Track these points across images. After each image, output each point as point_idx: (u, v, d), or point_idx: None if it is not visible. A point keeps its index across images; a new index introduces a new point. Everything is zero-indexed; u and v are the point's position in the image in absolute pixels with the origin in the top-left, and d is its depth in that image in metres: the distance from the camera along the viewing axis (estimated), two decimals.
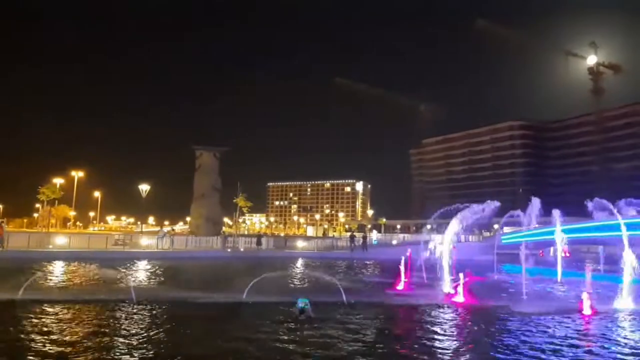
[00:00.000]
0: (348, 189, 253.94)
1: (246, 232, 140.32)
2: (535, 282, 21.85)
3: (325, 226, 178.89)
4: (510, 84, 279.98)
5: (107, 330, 11.27)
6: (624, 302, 16.28)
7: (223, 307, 15.01)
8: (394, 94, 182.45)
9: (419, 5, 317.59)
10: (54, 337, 10.55)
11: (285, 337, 11.14)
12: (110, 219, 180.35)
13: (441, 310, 15.77)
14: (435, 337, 11.72)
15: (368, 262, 36.50)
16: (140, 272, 25.78)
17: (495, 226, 29.00)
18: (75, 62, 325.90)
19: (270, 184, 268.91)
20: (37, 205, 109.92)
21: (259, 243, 45.75)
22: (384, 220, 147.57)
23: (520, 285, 19.21)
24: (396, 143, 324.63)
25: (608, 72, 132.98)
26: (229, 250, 43.11)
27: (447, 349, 10.65)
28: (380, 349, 10.47)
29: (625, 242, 17.25)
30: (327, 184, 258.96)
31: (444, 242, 21.55)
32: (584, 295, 14.87)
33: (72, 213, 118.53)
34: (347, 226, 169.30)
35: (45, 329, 11.31)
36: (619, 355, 10.29)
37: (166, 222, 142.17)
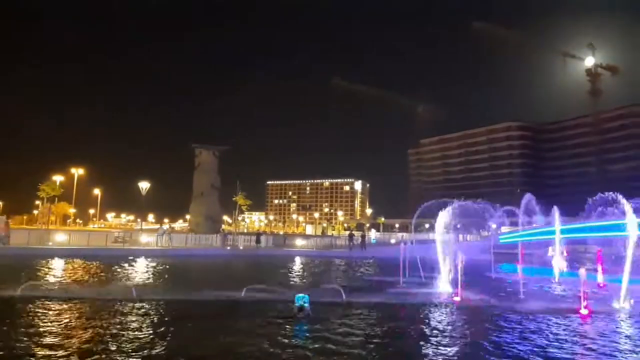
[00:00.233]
0: (347, 188, 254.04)
1: (245, 231, 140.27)
2: (533, 282, 22.04)
3: (324, 225, 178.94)
4: (509, 85, 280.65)
5: (106, 329, 11.26)
6: (621, 302, 16.46)
7: (222, 305, 15.08)
8: (392, 94, 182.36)
9: (418, 6, 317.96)
10: (51, 334, 10.55)
11: (284, 336, 11.21)
12: (110, 216, 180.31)
13: (440, 308, 15.92)
14: (433, 335, 11.80)
15: (367, 261, 36.66)
16: (140, 270, 25.86)
17: (493, 226, 29.20)
18: (75, 62, 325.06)
19: (270, 182, 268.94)
20: (37, 202, 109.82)
21: (258, 241, 45.91)
22: (383, 219, 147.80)
23: (517, 284, 19.40)
24: (395, 143, 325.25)
25: (605, 73, 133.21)
26: (228, 248, 43.27)
27: (445, 347, 10.77)
28: (379, 348, 10.55)
29: (631, 242, 17.25)
30: (326, 183, 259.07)
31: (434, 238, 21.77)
32: (581, 295, 15.04)
33: (72, 210, 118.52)
34: (346, 225, 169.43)
35: (42, 326, 11.31)
36: (616, 354, 10.43)
37: (166, 220, 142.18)
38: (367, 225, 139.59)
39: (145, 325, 11.88)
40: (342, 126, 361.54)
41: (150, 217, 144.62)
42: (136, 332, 11.05)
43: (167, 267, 27.37)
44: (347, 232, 61.35)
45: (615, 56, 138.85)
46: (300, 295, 13.37)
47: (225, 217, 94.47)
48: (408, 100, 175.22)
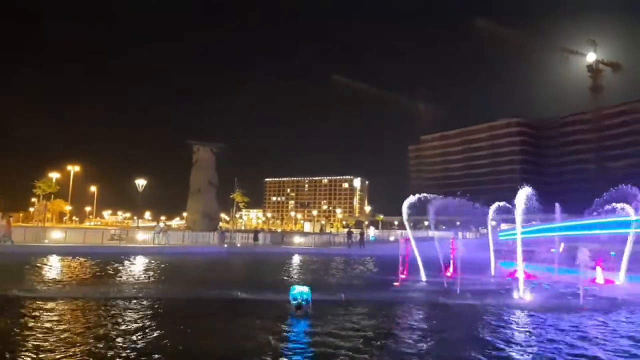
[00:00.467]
0: (346, 185, 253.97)
1: (243, 228, 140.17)
2: (532, 279, 21.82)
3: (323, 222, 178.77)
4: (509, 83, 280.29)
5: (102, 327, 11.15)
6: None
7: (219, 303, 14.88)
8: (392, 93, 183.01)
9: (418, 5, 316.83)
10: (45, 333, 10.42)
11: (281, 335, 11.06)
12: (106, 213, 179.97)
13: (440, 306, 15.73)
14: (433, 333, 11.65)
15: (365, 258, 36.45)
16: (136, 268, 25.64)
17: (493, 222, 28.96)
18: (75, 62, 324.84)
19: (268, 179, 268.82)
20: (33, 199, 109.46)
21: (256, 239, 45.68)
22: (382, 216, 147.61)
23: (517, 281, 19.16)
24: (394, 141, 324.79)
25: (607, 69, 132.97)
26: (225, 245, 42.98)
27: (444, 343, 10.69)
28: (378, 346, 10.37)
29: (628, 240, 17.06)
30: (325, 180, 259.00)
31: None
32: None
33: (68, 208, 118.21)
34: (344, 222, 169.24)
35: (37, 324, 11.17)
36: (618, 349, 10.28)
37: (163, 218, 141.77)
38: (366, 222, 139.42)
39: (140, 323, 11.71)
40: (341, 125, 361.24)
41: (147, 214, 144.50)
42: (130, 330, 10.89)
43: (164, 265, 27.09)
44: (346, 230, 61.11)
45: (616, 52, 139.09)
46: (298, 291, 13.06)
47: (223, 215, 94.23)
48: (408, 99, 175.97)
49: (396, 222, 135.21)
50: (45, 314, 12.42)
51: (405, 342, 10.83)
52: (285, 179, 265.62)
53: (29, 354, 8.81)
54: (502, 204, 23.56)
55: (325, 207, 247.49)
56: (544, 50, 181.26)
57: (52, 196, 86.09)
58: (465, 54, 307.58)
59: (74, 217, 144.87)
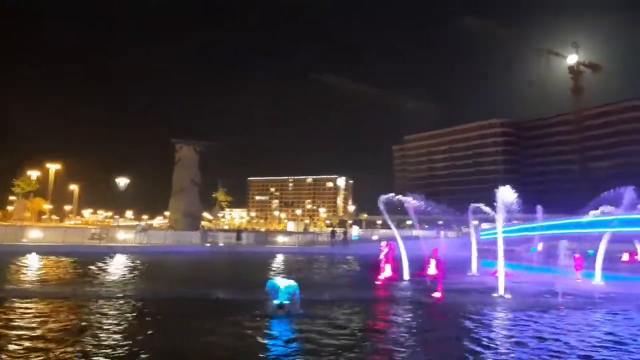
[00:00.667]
0: (330, 184, 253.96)
1: (226, 227, 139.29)
2: (512, 278, 22.05)
3: (307, 221, 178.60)
4: (494, 83, 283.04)
5: (81, 326, 11.01)
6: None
7: (199, 302, 14.74)
8: (378, 91, 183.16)
9: (406, 5, 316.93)
10: (23, 333, 10.24)
11: (266, 333, 11.06)
12: (87, 212, 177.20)
13: (421, 305, 15.80)
14: (415, 332, 11.69)
15: (349, 257, 36.53)
16: (116, 267, 25.34)
17: (475, 222, 29.21)
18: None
19: (252, 178, 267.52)
20: (12, 197, 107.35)
21: (239, 238, 45.46)
22: (365, 216, 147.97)
23: (497, 280, 19.35)
24: (379, 140, 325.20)
25: (588, 71, 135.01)
26: (208, 245, 42.67)
27: (427, 341, 10.74)
28: (363, 344, 10.43)
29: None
30: (309, 180, 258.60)
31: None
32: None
33: (47, 206, 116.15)
34: (328, 221, 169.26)
35: (15, 324, 10.99)
36: (591, 345, 10.49)
37: (145, 217, 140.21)
38: (350, 222, 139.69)
39: (119, 322, 11.61)
40: (328, 125, 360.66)
41: (129, 213, 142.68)
42: (110, 329, 10.79)
43: (145, 264, 26.81)
44: (330, 229, 61.17)
45: (598, 54, 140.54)
46: (285, 286, 12.96)
47: (206, 214, 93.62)
48: (392, 98, 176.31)
49: (379, 222, 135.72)
50: (24, 314, 12.18)
51: (389, 340, 10.87)
52: (269, 178, 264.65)
53: (6, 356, 8.65)
54: (477, 205, 23.77)
55: (309, 206, 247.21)
56: (528, 50, 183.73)
57: (32, 194, 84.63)
58: (449, 54, 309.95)
59: (53, 216, 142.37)
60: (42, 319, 11.67)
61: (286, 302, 12.77)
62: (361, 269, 28.23)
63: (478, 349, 10.09)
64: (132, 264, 26.60)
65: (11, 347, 9.17)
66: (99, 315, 12.31)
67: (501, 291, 17.84)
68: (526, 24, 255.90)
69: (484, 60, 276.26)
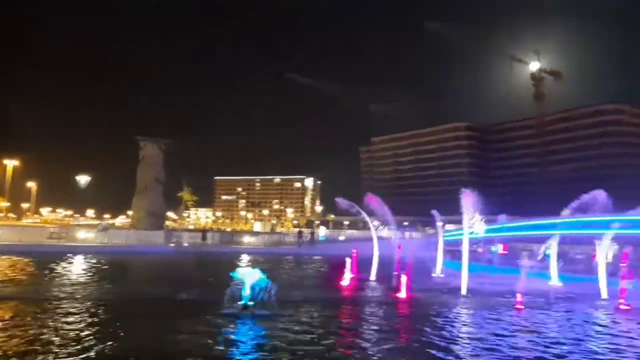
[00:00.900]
0: (298, 184, 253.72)
1: (191, 227, 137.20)
2: (474, 278, 22.51)
3: (274, 222, 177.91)
4: (460, 87, 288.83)
5: (39, 329, 10.63)
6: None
7: (160, 303, 14.45)
8: (348, 92, 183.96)
9: (371, 4, 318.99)
10: None
11: (232, 333, 10.95)
12: (45, 211, 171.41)
13: (385, 305, 15.92)
14: (378, 332, 11.77)
15: (315, 258, 36.54)
16: (76, 267, 24.62)
17: (439, 223, 29.70)
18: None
19: (218, 178, 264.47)
20: None
21: (204, 238, 44.90)
22: (333, 216, 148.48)
23: (460, 280, 19.72)
24: (348, 141, 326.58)
25: (549, 78, 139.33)
26: (172, 245, 41.92)
27: (391, 339, 10.80)
28: (329, 344, 10.44)
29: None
30: (277, 180, 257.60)
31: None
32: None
33: (3, 204, 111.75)
34: (295, 222, 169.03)
35: None
36: (544, 344, 10.82)
37: (107, 216, 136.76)
38: (317, 222, 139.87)
39: (79, 324, 11.28)
40: (294, 125, 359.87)
41: (90, 212, 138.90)
42: (70, 332, 10.46)
43: (106, 265, 26.11)
44: (297, 229, 61.09)
45: (559, 61, 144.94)
46: (256, 279, 12.81)
47: (170, 213, 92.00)
48: (361, 99, 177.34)
49: (346, 222, 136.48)
50: None
51: (354, 339, 10.90)
52: (236, 177, 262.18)
53: None
54: (434, 211, 24.38)
55: (276, 206, 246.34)
56: (493, 57, 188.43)
57: None
58: (418, 57, 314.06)
59: (10, 214, 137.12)
60: None
61: (251, 303, 12.65)
62: (328, 270, 28.27)
63: (440, 345, 10.27)
64: (93, 265, 25.86)
65: None
66: (54, 318, 11.87)
67: (464, 291, 18.18)
68: (494, 30, 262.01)
69: (453, 64, 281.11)
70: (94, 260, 27.55)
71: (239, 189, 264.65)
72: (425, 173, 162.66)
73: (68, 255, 29.24)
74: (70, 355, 8.81)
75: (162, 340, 10.24)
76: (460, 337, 11.38)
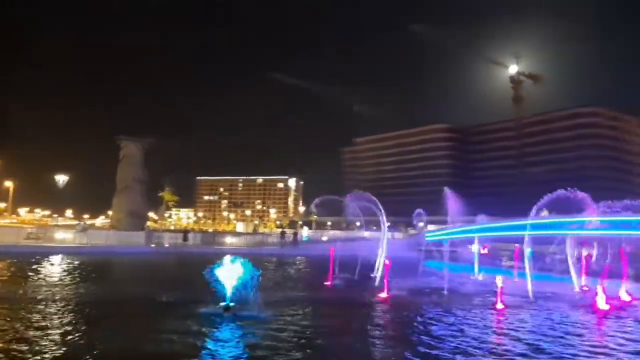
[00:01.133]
0: (281, 185, 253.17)
1: (173, 227, 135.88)
2: (456, 278, 22.79)
3: (257, 222, 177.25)
4: (442, 89, 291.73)
5: (17, 330, 10.49)
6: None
7: (139, 304, 14.33)
8: (332, 93, 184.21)
9: (351, 8, 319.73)
10: None
11: (214, 334, 10.93)
12: (23, 211, 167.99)
13: (367, 305, 16.00)
14: (363, 329, 11.83)
15: (298, 258, 36.52)
16: (54, 268, 24.23)
17: (421, 224, 30.00)
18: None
19: (200, 178, 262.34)
20: None
21: (185, 239, 44.51)
22: (316, 217, 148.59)
23: (442, 280, 19.96)
24: (331, 141, 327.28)
25: (528, 81, 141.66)
26: (153, 245, 41.45)
27: (374, 338, 10.86)
28: (313, 344, 10.47)
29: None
30: (260, 180, 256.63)
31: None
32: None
33: None
34: (278, 222, 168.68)
35: None
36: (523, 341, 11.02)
37: (86, 216, 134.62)
38: (300, 222, 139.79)
39: (58, 325, 11.17)
40: (279, 125, 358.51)
41: (69, 212, 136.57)
42: (49, 333, 10.35)
43: (85, 265, 25.70)
44: (279, 230, 60.97)
45: (538, 65, 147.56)
46: (241, 275, 12.77)
47: (151, 214, 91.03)
48: (345, 100, 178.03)
49: (329, 223, 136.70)
50: None
51: (337, 339, 10.96)
52: (218, 177, 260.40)
53: None
54: (419, 210, 24.53)
55: (259, 207, 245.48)
56: (473, 60, 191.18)
57: None
58: (399, 58, 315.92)
59: None
60: None
61: (232, 304, 12.64)
62: (311, 270, 28.30)
63: (420, 343, 10.38)
64: (71, 265, 25.46)
65: None
66: (31, 319, 11.69)
67: (445, 290, 18.39)
68: (476, 33, 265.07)
69: (437, 65, 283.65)
70: (73, 261, 27.11)
71: (221, 189, 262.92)
72: (408, 174, 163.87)
73: (45, 255, 28.71)
74: (54, 358, 8.73)
75: (142, 340, 10.15)
76: (442, 337, 11.49)
